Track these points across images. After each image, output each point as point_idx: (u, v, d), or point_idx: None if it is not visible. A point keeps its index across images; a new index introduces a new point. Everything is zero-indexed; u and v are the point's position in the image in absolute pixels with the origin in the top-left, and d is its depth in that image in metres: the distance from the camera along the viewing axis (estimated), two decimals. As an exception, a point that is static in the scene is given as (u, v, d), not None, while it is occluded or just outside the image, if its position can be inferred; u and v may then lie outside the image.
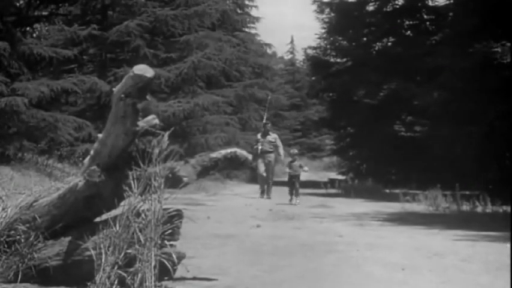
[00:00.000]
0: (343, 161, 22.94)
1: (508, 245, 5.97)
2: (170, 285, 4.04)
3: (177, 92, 16.98)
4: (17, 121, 12.10)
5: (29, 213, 4.11)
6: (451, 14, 16.91)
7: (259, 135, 13.60)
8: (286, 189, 12.41)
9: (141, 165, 3.89)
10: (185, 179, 4.12)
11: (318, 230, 7.71)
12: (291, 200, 12.06)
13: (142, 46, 15.37)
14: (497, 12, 11.25)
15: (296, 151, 13.21)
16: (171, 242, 3.95)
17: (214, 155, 4.27)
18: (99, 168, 3.90)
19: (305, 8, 68.98)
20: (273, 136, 13.49)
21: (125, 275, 3.65)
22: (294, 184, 12.17)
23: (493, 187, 11.73)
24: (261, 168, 13.11)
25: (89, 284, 3.68)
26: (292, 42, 46.16)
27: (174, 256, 3.91)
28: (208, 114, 17.93)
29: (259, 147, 13.05)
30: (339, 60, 21.62)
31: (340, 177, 19.64)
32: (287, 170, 12.51)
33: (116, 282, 3.64)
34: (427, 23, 19.82)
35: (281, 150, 13.53)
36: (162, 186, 3.85)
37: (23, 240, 4.03)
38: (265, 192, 13.25)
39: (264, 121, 14.26)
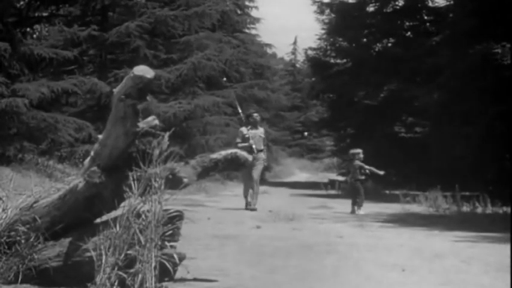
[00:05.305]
0: (343, 162, 22.95)
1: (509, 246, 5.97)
2: (170, 286, 4.03)
3: (177, 93, 16.99)
4: (18, 122, 12.11)
5: (29, 214, 4.10)
6: (451, 15, 16.94)
7: (244, 129, 10.47)
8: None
9: (142, 166, 3.88)
10: (185, 180, 4.11)
11: (318, 231, 7.71)
12: (353, 211, 10.52)
13: (142, 47, 15.38)
14: (497, 13, 11.27)
15: (359, 150, 11.08)
16: (172, 243, 3.94)
17: (214, 156, 4.26)
18: (100, 169, 3.90)
19: (306, 9, 69.00)
20: (261, 130, 10.67)
21: (125, 276, 3.64)
22: (357, 190, 10.70)
23: (493, 188, 11.74)
24: (255, 174, 10.42)
25: (89, 285, 3.67)
26: (295, 42, 45.98)
27: (175, 257, 3.91)
28: (209, 115, 17.93)
29: (254, 145, 10.18)
30: (339, 61, 21.69)
31: (340, 178, 19.63)
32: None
33: (116, 283, 3.63)
34: (427, 24, 19.86)
35: (264, 154, 10.64)
36: (163, 187, 3.85)
37: (23, 241, 4.03)
38: (250, 200, 10.46)
39: (250, 111, 11.29)
